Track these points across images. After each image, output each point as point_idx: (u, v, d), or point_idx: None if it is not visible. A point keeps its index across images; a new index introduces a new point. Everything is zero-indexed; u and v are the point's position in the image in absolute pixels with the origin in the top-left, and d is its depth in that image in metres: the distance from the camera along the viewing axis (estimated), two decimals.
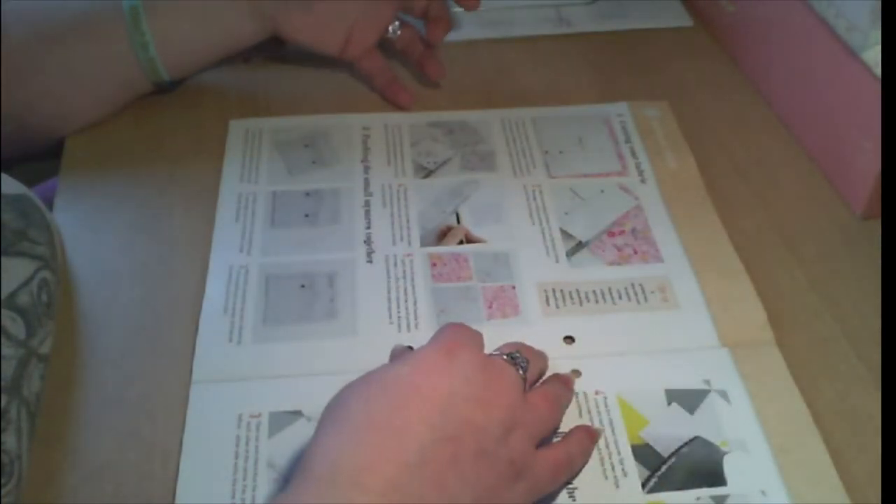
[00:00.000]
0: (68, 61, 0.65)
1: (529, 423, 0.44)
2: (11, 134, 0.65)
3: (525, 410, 0.44)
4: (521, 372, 0.46)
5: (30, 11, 0.65)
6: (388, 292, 0.57)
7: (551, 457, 0.45)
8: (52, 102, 0.66)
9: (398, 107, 0.71)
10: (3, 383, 0.46)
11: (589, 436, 0.48)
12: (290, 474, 0.43)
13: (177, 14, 0.65)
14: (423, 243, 0.61)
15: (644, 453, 0.49)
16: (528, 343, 0.51)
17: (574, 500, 0.46)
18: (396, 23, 0.71)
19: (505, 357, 0.46)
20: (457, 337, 0.45)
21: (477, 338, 0.46)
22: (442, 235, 0.61)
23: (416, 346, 0.53)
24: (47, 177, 0.73)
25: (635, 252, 0.60)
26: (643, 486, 0.47)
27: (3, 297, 0.48)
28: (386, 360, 0.53)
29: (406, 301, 0.57)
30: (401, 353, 0.48)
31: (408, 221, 0.62)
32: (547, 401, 0.47)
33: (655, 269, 0.59)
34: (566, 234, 0.61)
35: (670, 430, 0.50)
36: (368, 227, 0.62)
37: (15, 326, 0.48)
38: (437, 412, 0.41)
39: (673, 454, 0.49)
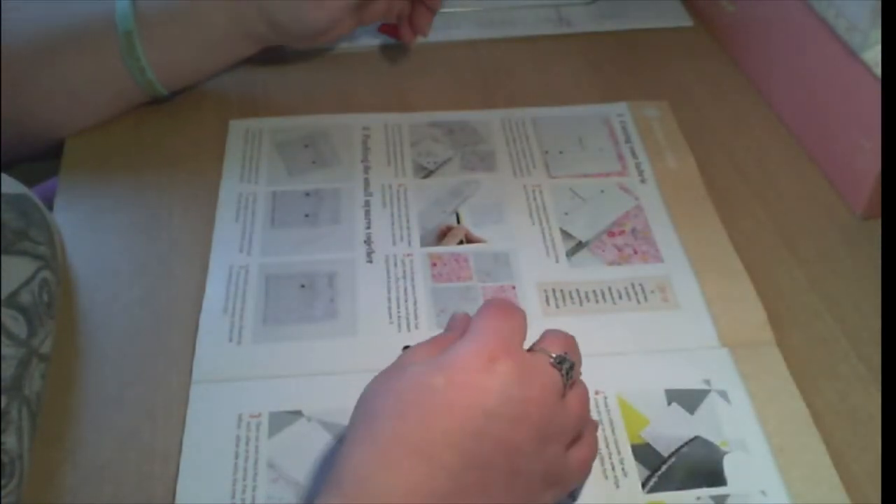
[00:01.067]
0: (64, 73, 0.65)
1: (564, 430, 0.43)
2: (12, 138, 0.65)
3: (561, 417, 0.42)
4: (564, 377, 0.43)
5: (25, 22, 0.65)
6: (388, 292, 0.57)
7: (581, 456, 0.44)
8: (50, 110, 0.66)
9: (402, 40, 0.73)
10: (4, 383, 0.46)
11: (595, 426, 0.47)
12: (322, 475, 0.42)
13: (171, 36, 0.66)
14: (423, 243, 0.61)
15: (644, 453, 0.49)
16: (528, 343, 0.50)
17: (574, 500, 0.46)
18: None
19: (552, 360, 0.43)
20: (500, 336, 0.42)
21: (520, 328, 0.43)
22: (442, 235, 0.61)
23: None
24: (47, 177, 0.73)
25: (635, 252, 0.60)
26: (643, 485, 0.47)
27: (4, 297, 0.48)
28: (385, 359, 0.53)
29: (406, 301, 0.57)
30: (458, 323, 0.45)
31: (408, 221, 0.62)
32: (581, 402, 0.45)
33: (655, 269, 0.59)
34: (566, 234, 0.61)
35: (670, 429, 0.50)
36: (368, 227, 0.62)
37: (16, 326, 0.48)
38: (469, 437, 0.39)
39: (673, 454, 0.49)
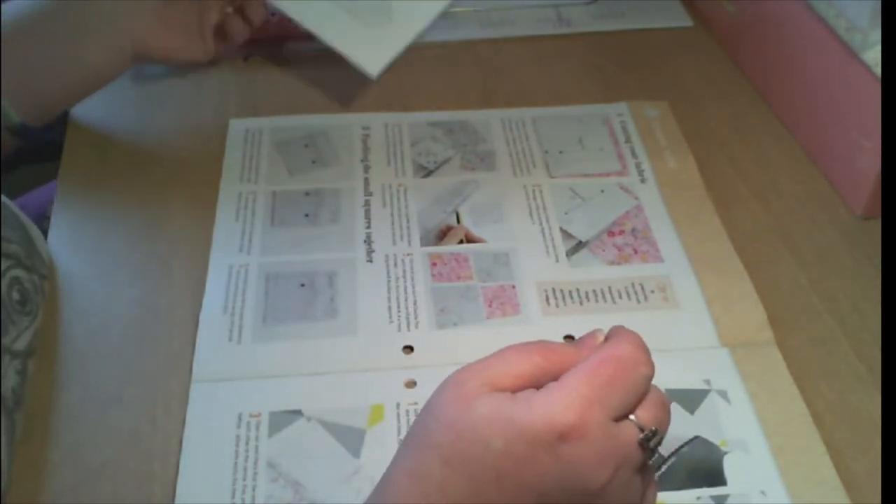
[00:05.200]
0: None
1: None
2: None
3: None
4: (648, 455, 0.38)
5: None
6: (388, 292, 0.57)
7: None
8: None
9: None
10: None
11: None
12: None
13: (25, 54, 0.60)
14: (423, 243, 0.60)
15: None
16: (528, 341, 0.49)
17: None
18: None
19: (641, 436, 0.37)
20: (591, 403, 0.36)
21: (633, 390, 0.37)
22: (442, 235, 0.61)
23: (417, 346, 0.54)
24: (46, 179, 0.73)
25: (635, 252, 0.60)
26: None
27: None
28: (384, 358, 0.53)
29: (406, 300, 0.57)
30: (583, 345, 0.40)
31: (408, 221, 0.62)
32: (653, 479, 0.40)
33: (655, 268, 0.59)
34: (566, 234, 0.61)
35: (670, 429, 0.49)
36: (368, 227, 0.62)
37: None
38: None
39: (673, 454, 0.49)
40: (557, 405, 0.36)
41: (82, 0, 0.62)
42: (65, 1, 0.62)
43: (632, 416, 0.37)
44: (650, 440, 0.37)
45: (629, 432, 0.37)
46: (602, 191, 0.65)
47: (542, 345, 0.39)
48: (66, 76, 0.63)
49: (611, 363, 0.37)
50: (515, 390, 0.37)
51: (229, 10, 0.67)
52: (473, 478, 0.36)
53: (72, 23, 0.62)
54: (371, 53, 0.66)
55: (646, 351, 0.38)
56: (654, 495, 0.40)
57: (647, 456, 0.37)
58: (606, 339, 0.40)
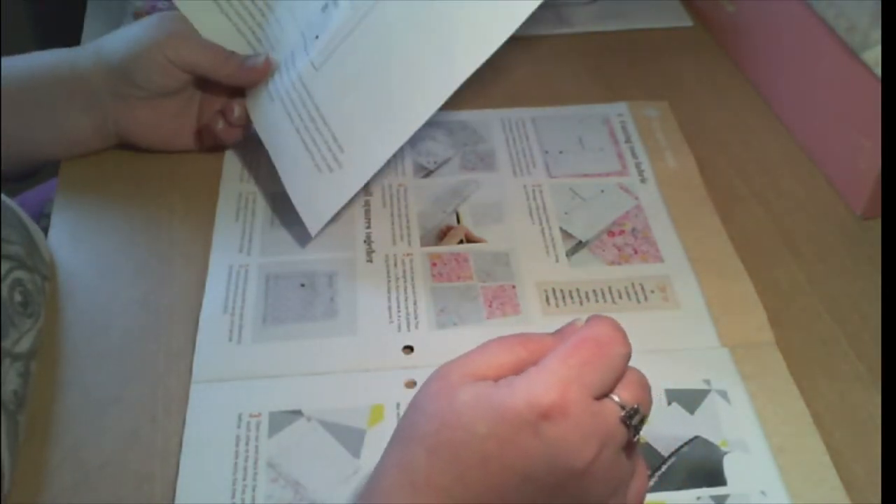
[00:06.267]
0: None
1: (612, 494, 0.39)
2: None
3: (610, 486, 0.38)
4: (631, 432, 0.38)
5: None
6: (388, 292, 0.57)
7: (640, 491, 0.41)
8: None
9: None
10: None
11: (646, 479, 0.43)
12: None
13: (6, 113, 0.61)
14: (423, 243, 0.61)
15: (644, 453, 0.48)
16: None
17: None
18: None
19: (623, 414, 0.37)
20: (570, 383, 0.36)
21: (609, 369, 0.38)
22: (442, 235, 0.61)
23: (417, 346, 0.54)
24: (47, 177, 0.73)
25: (635, 252, 0.60)
26: None
27: None
28: (384, 358, 0.53)
29: (406, 301, 0.57)
30: (564, 333, 0.40)
31: (408, 221, 0.62)
32: (639, 488, 0.40)
33: (655, 268, 0.59)
34: (566, 234, 0.61)
35: (670, 429, 0.50)
36: (368, 227, 0.62)
37: None
38: (500, 495, 0.36)
39: (673, 454, 0.49)
40: (538, 386, 0.36)
41: (73, 73, 0.62)
42: (57, 69, 0.62)
43: (613, 395, 0.38)
44: (632, 417, 0.38)
45: (611, 410, 0.37)
46: (602, 191, 0.65)
47: (522, 336, 0.40)
48: (45, 141, 0.64)
49: (588, 343, 0.38)
50: (498, 379, 0.38)
51: (220, 124, 0.64)
52: (459, 463, 0.36)
53: (58, 92, 0.62)
54: (314, 209, 0.59)
55: (622, 332, 0.39)
56: (645, 478, 0.41)
57: (630, 434, 0.38)
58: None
